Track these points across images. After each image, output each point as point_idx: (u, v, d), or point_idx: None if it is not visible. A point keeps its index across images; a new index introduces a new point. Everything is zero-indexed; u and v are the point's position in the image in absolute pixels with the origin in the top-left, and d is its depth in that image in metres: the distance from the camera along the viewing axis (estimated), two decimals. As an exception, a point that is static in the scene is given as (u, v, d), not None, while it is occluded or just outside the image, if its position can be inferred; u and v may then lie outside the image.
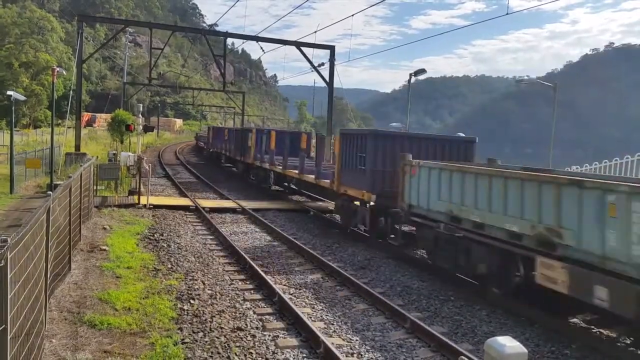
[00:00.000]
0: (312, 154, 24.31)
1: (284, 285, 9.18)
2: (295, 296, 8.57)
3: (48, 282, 6.30)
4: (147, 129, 24.24)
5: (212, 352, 6.15)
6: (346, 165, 13.79)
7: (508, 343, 4.05)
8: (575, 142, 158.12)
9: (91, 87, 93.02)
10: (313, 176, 17.13)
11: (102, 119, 64.38)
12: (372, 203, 12.28)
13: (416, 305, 8.43)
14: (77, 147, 25.25)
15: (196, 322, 7.10)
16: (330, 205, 17.68)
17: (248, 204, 17.84)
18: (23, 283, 4.39)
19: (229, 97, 77.99)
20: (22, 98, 21.08)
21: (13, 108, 20.49)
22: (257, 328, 7.04)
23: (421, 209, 10.46)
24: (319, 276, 9.87)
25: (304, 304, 8.22)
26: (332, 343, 6.45)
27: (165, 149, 52.19)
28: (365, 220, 12.87)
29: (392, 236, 12.43)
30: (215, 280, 9.16)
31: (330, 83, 29.30)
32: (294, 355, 6.28)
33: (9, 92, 18.78)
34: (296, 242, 12.35)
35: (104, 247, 10.77)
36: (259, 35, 28.99)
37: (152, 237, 12.34)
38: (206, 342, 6.44)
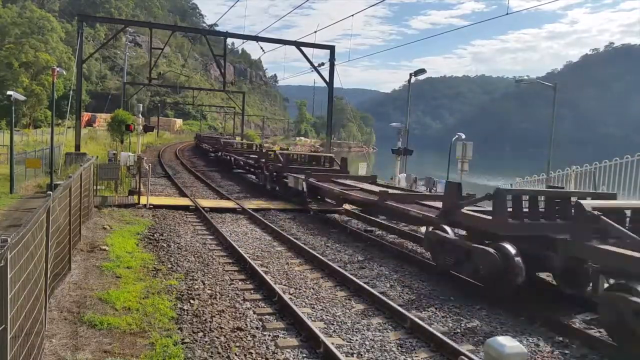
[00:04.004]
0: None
1: (284, 285, 9.18)
2: (295, 296, 8.57)
3: (48, 282, 6.30)
4: (147, 129, 24.27)
5: (212, 352, 6.15)
6: None
7: (508, 343, 4.05)
8: (576, 141, 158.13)
9: (91, 87, 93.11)
10: None
11: (102, 119, 64.49)
12: None
13: (416, 305, 8.42)
14: (77, 147, 25.27)
15: (196, 322, 7.10)
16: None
17: (248, 204, 17.84)
18: (23, 283, 4.39)
19: (229, 97, 78.06)
20: (22, 98, 21.09)
21: (13, 108, 20.51)
22: (257, 328, 7.04)
23: None
24: (319, 276, 9.86)
25: (304, 304, 8.22)
26: (332, 343, 6.44)
27: (165, 149, 52.22)
28: None
29: None
30: (215, 280, 9.16)
31: (330, 83, 29.32)
32: (294, 355, 6.28)
33: (9, 92, 18.81)
34: (296, 242, 12.34)
35: (104, 247, 10.77)
36: (259, 35, 29.01)
37: (152, 237, 12.34)
38: (206, 342, 6.44)
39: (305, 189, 17.50)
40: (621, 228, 7.39)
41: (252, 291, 8.67)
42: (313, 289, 9.04)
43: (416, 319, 7.28)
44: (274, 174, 21.00)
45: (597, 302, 7.07)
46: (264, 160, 23.54)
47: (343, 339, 6.84)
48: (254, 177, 26.60)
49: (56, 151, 22.66)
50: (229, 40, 37.00)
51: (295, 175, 18.59)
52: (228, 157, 31.84)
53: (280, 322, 7.30)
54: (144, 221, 14.25)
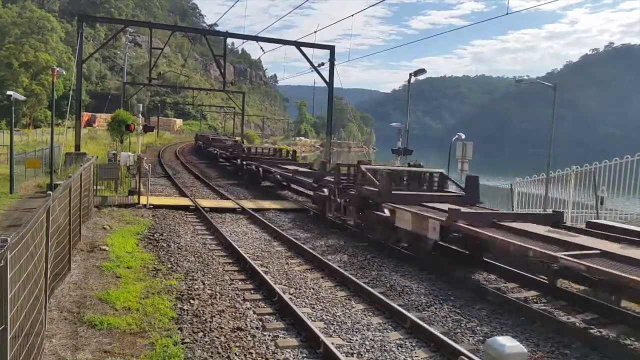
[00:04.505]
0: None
1: (284, 285, 9.18)
2: (295, 296, 8.57)
3: (48, 282, 6.30)
4: (147, 129, 24.24)
5: (212, 352, 6.15)
6: None
7: (508, 343, 4.05)
8: (576, 141, 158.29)
9: (91, 87, 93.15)
10: None
11: (102, 119, 64.51)
12: None
13: (416, 305, 8.42)
14: (77, 147, 25.27)
15: (196, 322, 7.10)
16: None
17: (248, 204, 17.84)
18: (23, 283, 4.39)
19: (229, 97, 78.04)
20: (22, 98, 21.10)
21: (13, 108, 20.51)
22: (257, 328, 7.04)
23: None
24: (319, 276, 9.86)
25: (304, 304, 8.22)
26: (332, 343, 6.44)
27: (165, 149, 52.22)
28: None
29: None
30: (215, 280, 9.16)
31: (330, 83, 29.32)
32: (294, 355, 6.28)
33: (9, 92, 18.81)
34: (296, 242, 12.34)
35: (104, 247, 10.77)
36: (259, 35, 29.01)
37: (152, 237, 12.34)
38: (206, 342, 6.44)
39: (438, 238, 10.20)
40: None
41: (252, 291, 8.67)
42: (313, 289, 9.04)
43: (416, 319, 7.28)
44: (360, 203, 13.36)
45: None
46: (332, 179, 15.72)
47: (343, 339, 6.84)
48: (291, 193, 21.81)
49: (56, 151, 22.66)
50: (229, 40, 37.02)
51: (413, 210, 11.02)
52: (254, 167, 24.50)
53: (280, 322, 7.30)
54: (144, 221, 14.25)
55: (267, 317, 7.49)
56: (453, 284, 9.61)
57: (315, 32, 28.68)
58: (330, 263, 10.40)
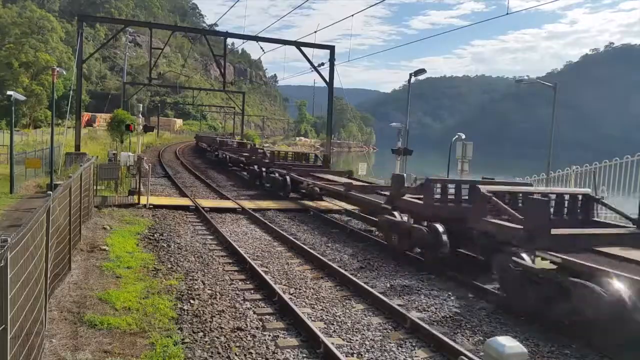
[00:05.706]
0: None
1: (284, 285, 9.18)
2: (295, 296, 8.57)
3: (48, 282, 6.30)
4: (147, 129, 24.22)
5: (212, 352, 6.15)
6: None
7: (508, 343, 4.05)
8: (576, 141, 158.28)
9: (91, 87, 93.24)
10: None
11: (102, 119, 64.50)
12: None
13: (416, 305, 8.42)
14: (77, 147, 25.23)
15: (196, 322, 7.10)
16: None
17: (248, 204, 17.85)
18: (23, 283, 4.39)
19: (229, 97, 78.08)
20: (22, 98, 21.08)
21: (13, 108, 20.51)
22: (257, 328, 7.04)
23: None
24: (319, 276, 9.86)
25: (304, 304, 8.22)
26: (332, 343, 6.44)
27: (165, 149, 52.21)
28: None
29: None
30: (215, 280, 9.16)
31: (330, 83, 29.28)
32: (294, 355, 6.28)
33: (9, 92, 18.80)
34: (296, 242, 12.34)
35: (104, 247, 10.77)
36: (259, 35, 28.98)
37: (152, 237, 12.34)
38: (206, 342, 6.44)
39: None
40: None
41: (252, 291, 8.68)
42: (313, 289, 9.04)
43: (416, 319, 7.28)
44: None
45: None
46: (417, 201, 10.88)
47: (343, 339, 6.84)
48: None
49: (56, 151, 22.65)
50: (229, 40, 36.99)
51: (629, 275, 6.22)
52: (278, 175, 20.12)
53: (280, 322, 7.30)
54: (144, 221, 14.25)
55: (267, 317, 7.49)
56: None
57: (315, 32, 28.64)
58: (330, 263, 10.39)
